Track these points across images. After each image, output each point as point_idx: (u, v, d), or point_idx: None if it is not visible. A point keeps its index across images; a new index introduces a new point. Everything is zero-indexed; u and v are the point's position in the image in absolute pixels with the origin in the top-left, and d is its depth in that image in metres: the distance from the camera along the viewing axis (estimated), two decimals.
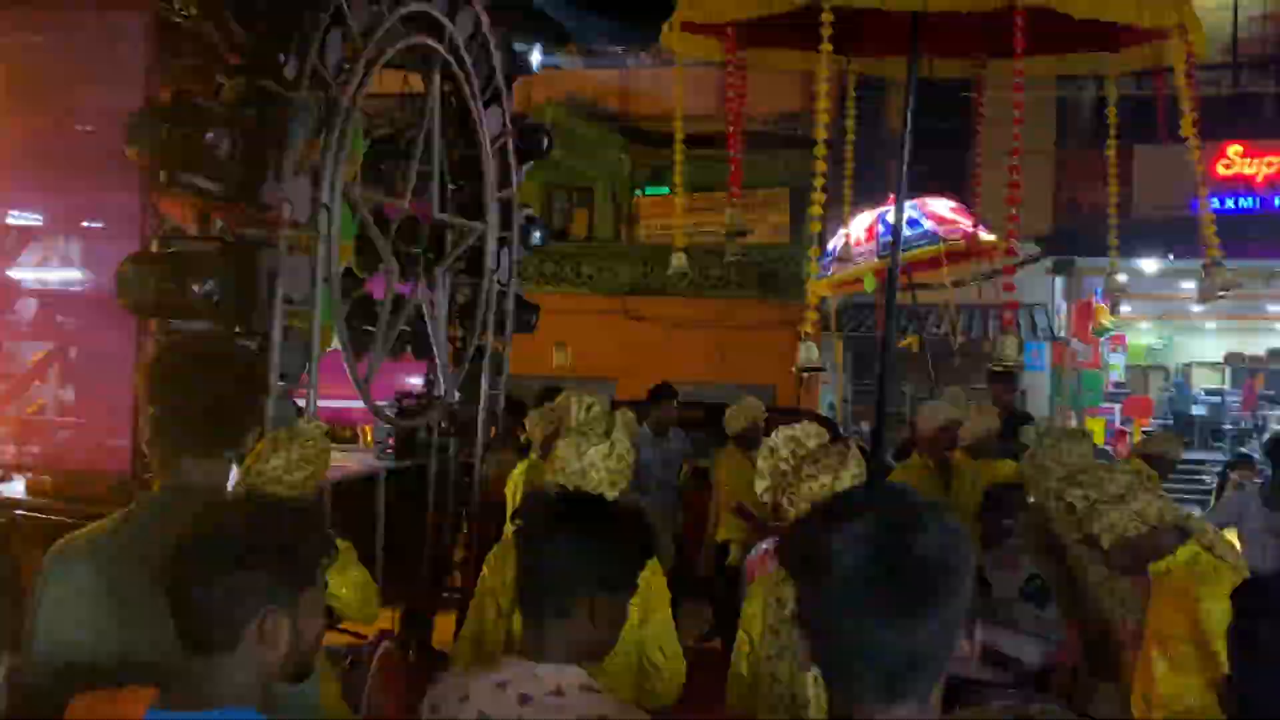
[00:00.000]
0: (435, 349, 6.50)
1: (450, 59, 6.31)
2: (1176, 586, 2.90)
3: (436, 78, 6.26)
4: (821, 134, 3.83)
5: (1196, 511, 3.28)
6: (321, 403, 5.26)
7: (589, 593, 1.99)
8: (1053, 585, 4.29)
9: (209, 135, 4.15)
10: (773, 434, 3.39)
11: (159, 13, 4.54)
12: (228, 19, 4.54)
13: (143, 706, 1.61)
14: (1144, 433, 14.94)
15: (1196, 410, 20.07)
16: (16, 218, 4.93)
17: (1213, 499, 8.57)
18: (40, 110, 4.70)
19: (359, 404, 5.84)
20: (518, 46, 7.32)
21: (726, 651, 3.16)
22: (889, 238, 4.69)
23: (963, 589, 1.26)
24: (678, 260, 5.12)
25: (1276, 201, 15.80)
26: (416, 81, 6.52)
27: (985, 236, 7.46)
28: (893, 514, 1.25)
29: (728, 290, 17.97)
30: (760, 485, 3.32)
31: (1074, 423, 15.05)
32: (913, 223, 7.52)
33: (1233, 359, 22.04)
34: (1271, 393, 20.45)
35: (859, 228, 7.98)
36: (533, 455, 6.01)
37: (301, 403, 4.95)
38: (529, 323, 7.57)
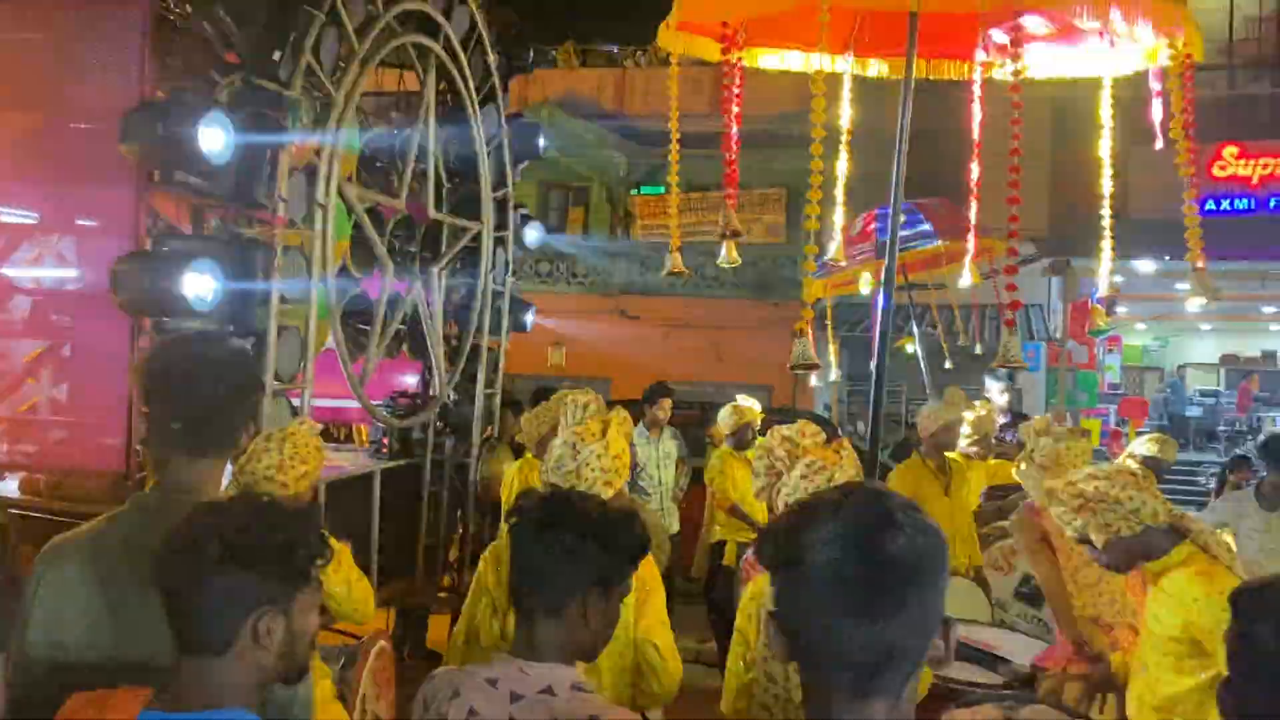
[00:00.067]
0: (431, 348, 6.49)
1: (446, 57, 6.31)
2: (1172, 587, 2.90)
3: (432, 76, 6.26)
4: (818, 134, 3.82)
5: (1192, 512, 3.28)
6: (317, 402, 5.25)
7: (583, 592, 1.99)
8: (1042, 585, 4.29)
9: (204, 133, 4.14)
10: (768, 434, 3.39)
11: (154, 10, 4.53)
12: (223, 17, 4.53)
13: (137, 707, 1.61)
14: (1139, 434, 14.97)
15: (1191, 411, 20.15)
16: (10, 215, 4.91)
17: (1211, 501, 8.58)
18: (34, 107, 4.69)
19: (354, 403, 5.84)
20: (513, 45, 7.31)
21: (722, 652, 3.17)
22: (886, 237, 4.68)
23: (933, 590, 1.28)
24: (673, 260, 5.11)
25: (1272, 203, 15.84)
26: (412, 80, 6.51)
27: (984, 236, 7.46)
28: (865, 513, 1.27)
29: (723, 290, 18.00)
30: (756, 485, 3.32)
31: (1069, 423, 15.06)
32: (911, 222, 7.52)
33: (1228, 360, 22.12)
34: (1266, 394, 20.53)
35: (856, 228, 7.98)
36: (528, 454, 6.01)
37: (296, 402, 4.94)
38: (524, 322, 7.57)
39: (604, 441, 3.17)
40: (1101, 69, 4.79)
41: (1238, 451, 12.23)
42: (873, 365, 4.28)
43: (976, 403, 6.42)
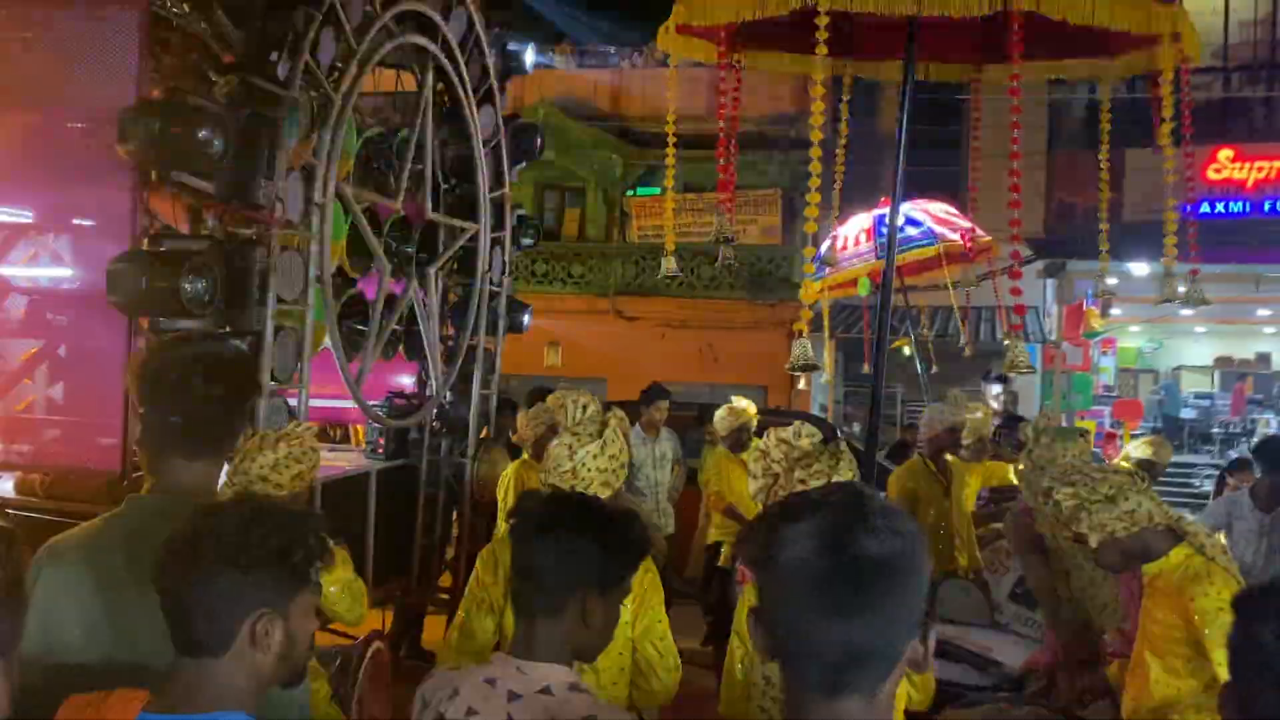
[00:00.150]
0: (427, 349, 6.49)
1: (443, 58, 6.31)
2: (1169, 588, 2.91)
3: (429, 77, 6.25)
4: (816, 136, 3.82)
5: (1186, 515, 3.29)
6: (313, 402, 5.24)
7: (581, 593, 1.99)
8: (1033, 587, 4.30)
9: (201, 133, 4.14)
10: (765, 435, 3.39)
11: (151, 9, 4.52)
12: (220, 16, 4.53)
13: (134, 710, 1.60)
14: (1134, 436, 15.00)
15: (1186, 414, 20.17)
16: (6, 214, 4.89)
17: (1209, 503, 8.60)
18: (31, 107, 4.68)
19: (351, 403, 5.83)
20: (511, 46, 7.32)
21: (720, 653, 3.16)
22: (884, 239, 4.69)
23: (909, 591, 1.28)
24: (669, 261, 5.11)
25: (1266, 206, 15.88)
26: (409, 81, 6.51)
27: (983, 237, 7.47)
28: (843, 513, 1.28)
29: (719, 291, 18.02)
30: (753, 486, 3.32)
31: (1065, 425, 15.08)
32: (911, 222, 7.52)
33: (1222, 363, 22.16)
34: (1260, 396, 20.56)
35: (854, 230, 7.98)
36: (525, 455, 6.01)
37: (293, 402, 4.93)
38: (521, 323, 7.56)
39: (601, 442, 3.16)
40: (1099, 72, 4.80)
41: (1236, 454, 12.26)
42: (869, 367, 4.28)
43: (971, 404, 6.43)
